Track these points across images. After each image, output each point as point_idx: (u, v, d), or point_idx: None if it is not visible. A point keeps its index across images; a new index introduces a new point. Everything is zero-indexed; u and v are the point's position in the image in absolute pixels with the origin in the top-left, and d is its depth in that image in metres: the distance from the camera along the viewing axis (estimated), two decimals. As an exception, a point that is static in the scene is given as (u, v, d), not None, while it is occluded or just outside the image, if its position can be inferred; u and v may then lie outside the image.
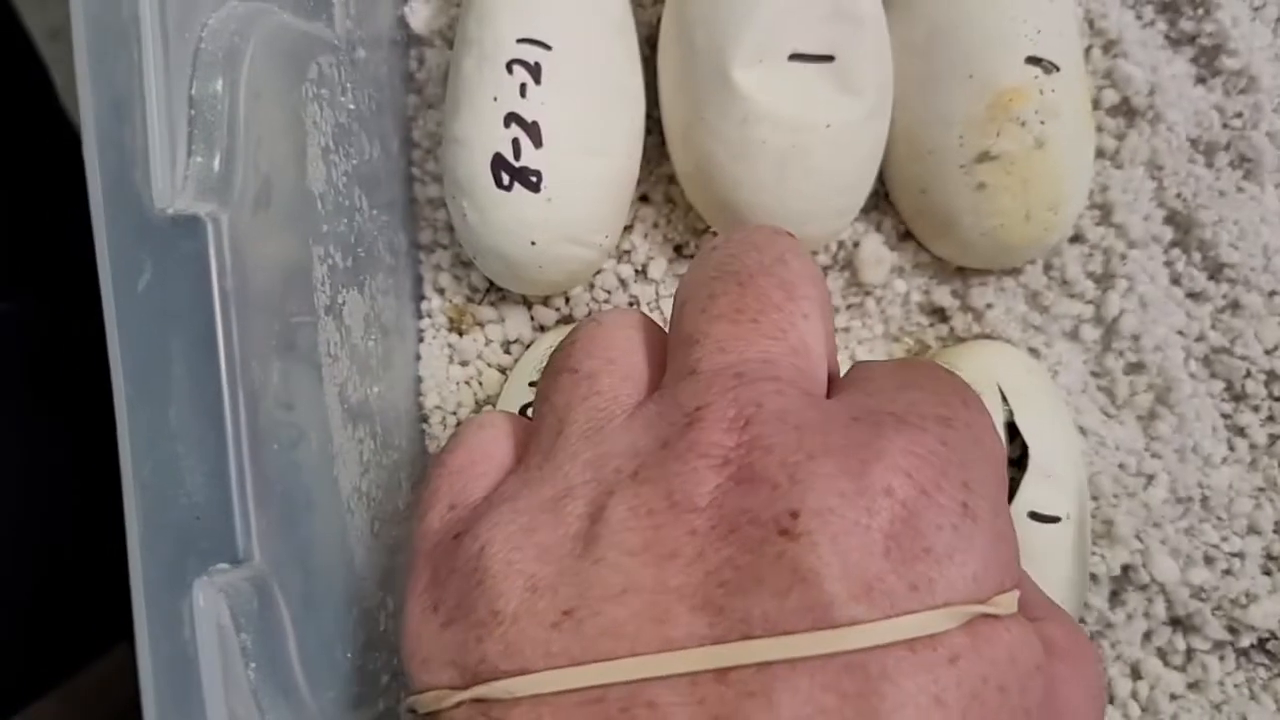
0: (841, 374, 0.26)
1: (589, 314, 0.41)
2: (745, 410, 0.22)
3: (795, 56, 0.35)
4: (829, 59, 0.35)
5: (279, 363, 0.27)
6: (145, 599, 0.24)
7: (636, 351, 0.26)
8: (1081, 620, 0.41)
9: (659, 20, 0.39)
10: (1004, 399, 0.37)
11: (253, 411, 0.26)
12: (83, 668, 0.49)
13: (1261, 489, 0.41)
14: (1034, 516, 0.36)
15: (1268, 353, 0.40)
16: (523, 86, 0.35)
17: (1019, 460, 0.38)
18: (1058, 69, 0.36)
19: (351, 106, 0.34)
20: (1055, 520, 0.36)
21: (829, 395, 0.25)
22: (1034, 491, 0.36)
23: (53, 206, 0.47)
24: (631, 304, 0.41)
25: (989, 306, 0.40)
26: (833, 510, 0.20)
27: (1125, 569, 0.41)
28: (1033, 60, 0.36)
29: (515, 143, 0.35)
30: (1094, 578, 0.41)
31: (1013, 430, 0.37)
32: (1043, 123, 0.36)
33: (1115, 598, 0.41)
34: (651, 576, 0.21)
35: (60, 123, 0.54)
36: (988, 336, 0.41)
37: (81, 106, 0.24)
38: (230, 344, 0.25)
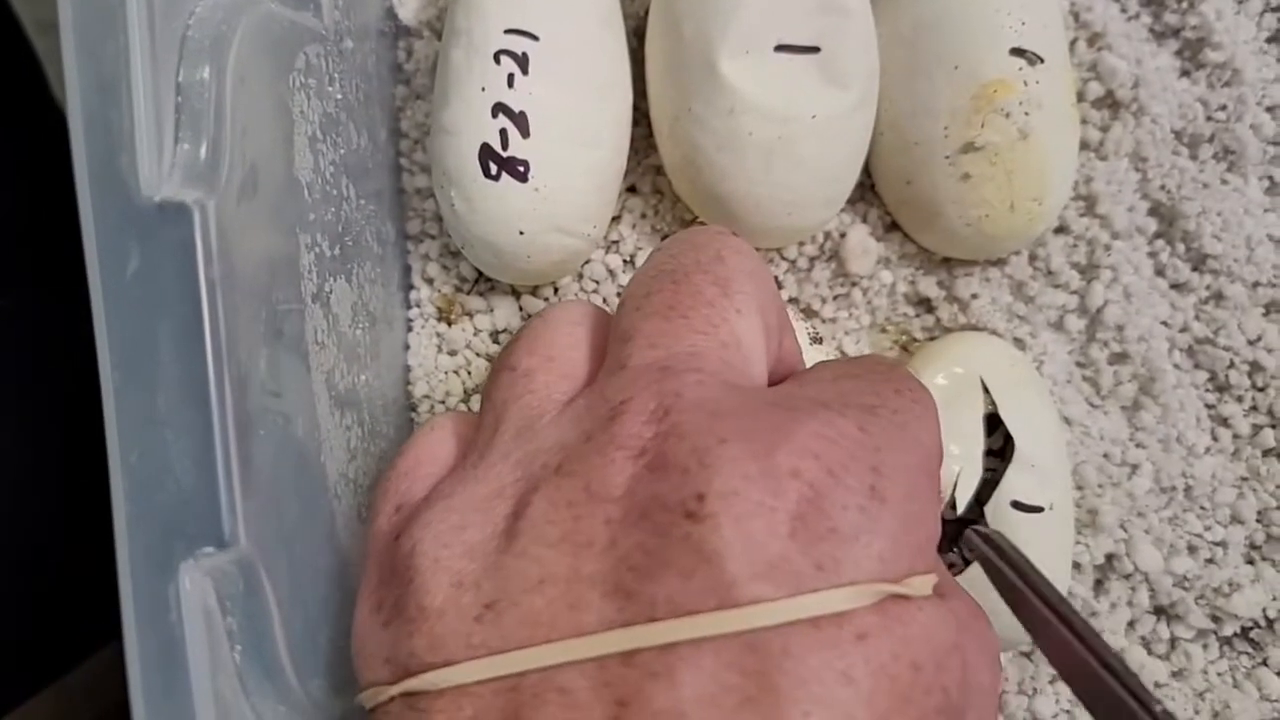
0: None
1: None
2: (665, 401, 0.22)
3: (782, 48, 0.35)
4: (815, 50, 0.35)
5: (266, 349, 0.27)
6: (132, 583, 0.25)
7: (578, 348, 0.27)
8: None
9: (646, 12, 0.39)
10: (986, 391, 0.38)
11: (240, 397, 0.26)
12: (73, 667, 0.49)
13: (1244, 479, 0.41)
14: (1016, 506, 0.37)
15: (1251, 343, 0.41)
16: (510, 77, 0.35)
17: (1001, 451, 0.38)
18: (1042, 61, 0.36)
19: (339, 96, 0.34)
20: (1038, 510, 0.37)
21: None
22: (1017, 482, 0.37)
23: (45, 200, 0.47)
24: (620, 294, 0.41)
25: (974, 297, 0.40)
26: (737, 492, 0.20)
27: (1109, 558, 0.41)
28: (1017, 52, 0.36)
29: (503, 133, 0.35)
30: (1078, 566, 0.41)
31: (995, 421, 0.37)
32: (1027, 114, 0.36)
33: (1099, 586, 0.41)
34: (567, 566, 0.21)
35: (53, 116, 0.54)
36: (973, 327, 0.41)
37: (68, 93, 0.24)
38: (217, 330, 0.25)
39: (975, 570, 0.37)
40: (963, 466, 0.37)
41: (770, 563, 0.20)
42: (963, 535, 0.35)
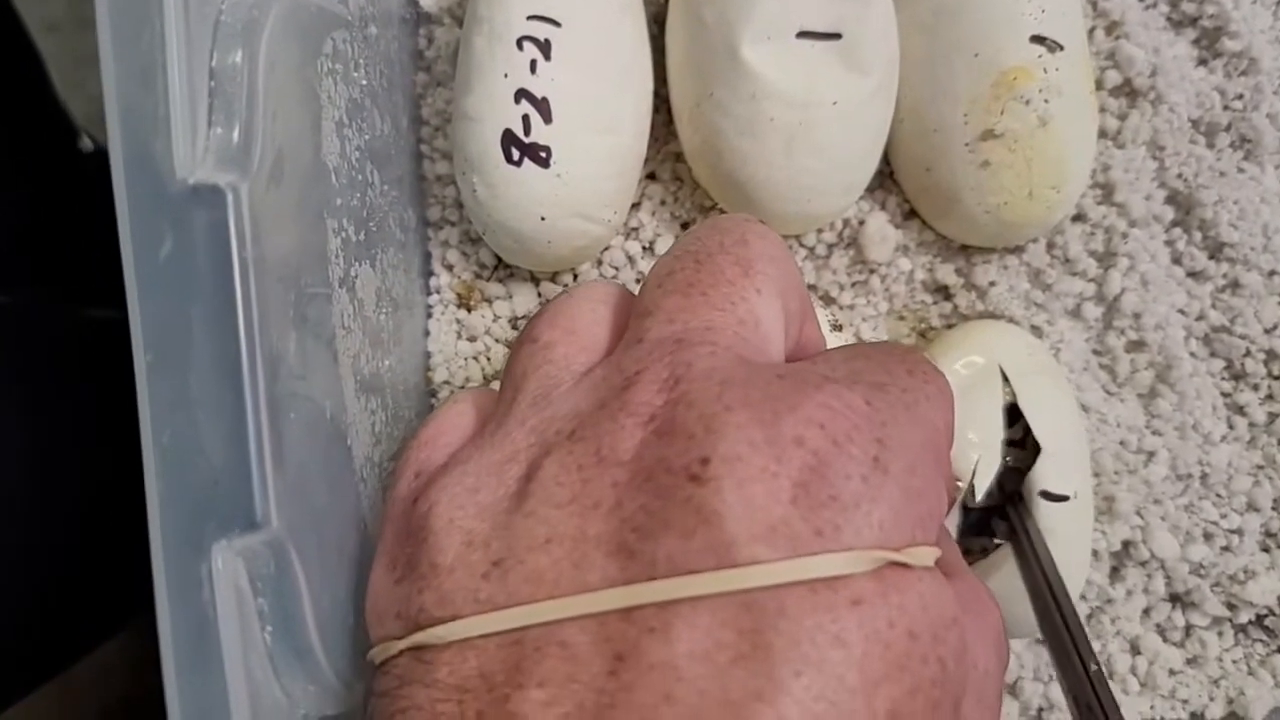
0: None
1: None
2: (677, 370, 0.23)
3: (803, 34, 0.35)
4: (836, 37, 0.36)
5: (295, 333, 0.28)
6: (165, 563, 0.25)
7: (600, 324, 0.27)
8: (1082, 596, 0.41)
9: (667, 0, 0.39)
10: (1006, 380, 0.38)
11: (271, 379, 0.26)
12: (78, 661, 0.49)
13: (1260, 466, 0.42)
14: (1046, 496, 0.37)
15: (1267, 332, 0.41)
16: (533, 63, 0.35)
17: (1022, 441, 0.38)
18: (1061, 48, 0.36)
19: (364, 82, 0.34)
20: (1065, 499, 0.37)
21: None
22: (1044, 471, 0.37)
23: (48, 199, 0.47)
24: (639, 280, 0.41)
25: (992, 284, 0.41)
26: (741, 458, 0.21)
27: (1126, 545, 0.41)
28: (1037, 39, 0.36)
29: (525, 119, 0.35)
30: (1095, 554, 0.41)
31: (1015, 411, 0.38)
32: (1046, 101, 0.36)
33: (1115, 574, 0.42)
34: (574, 526, 0.22)
35: (56, 116, 0.54)
36: (991, 315, 0.41)
37: (104, 77, 0.24)
38: (250, 313, 0.25)
39: (993, 557, 0.37)
40: (982, 454, 0.37)
41: (770, 526, 0.20)
42: (993, 518, 0.36)
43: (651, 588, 0.20)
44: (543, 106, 0.35)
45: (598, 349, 0.26)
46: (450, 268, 0.42)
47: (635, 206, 0.41)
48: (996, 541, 0.38)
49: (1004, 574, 0.37)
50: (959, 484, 0.37)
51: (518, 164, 0.35)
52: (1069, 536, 0.37)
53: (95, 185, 0.27)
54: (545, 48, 0.35)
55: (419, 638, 0.23)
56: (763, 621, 0.19)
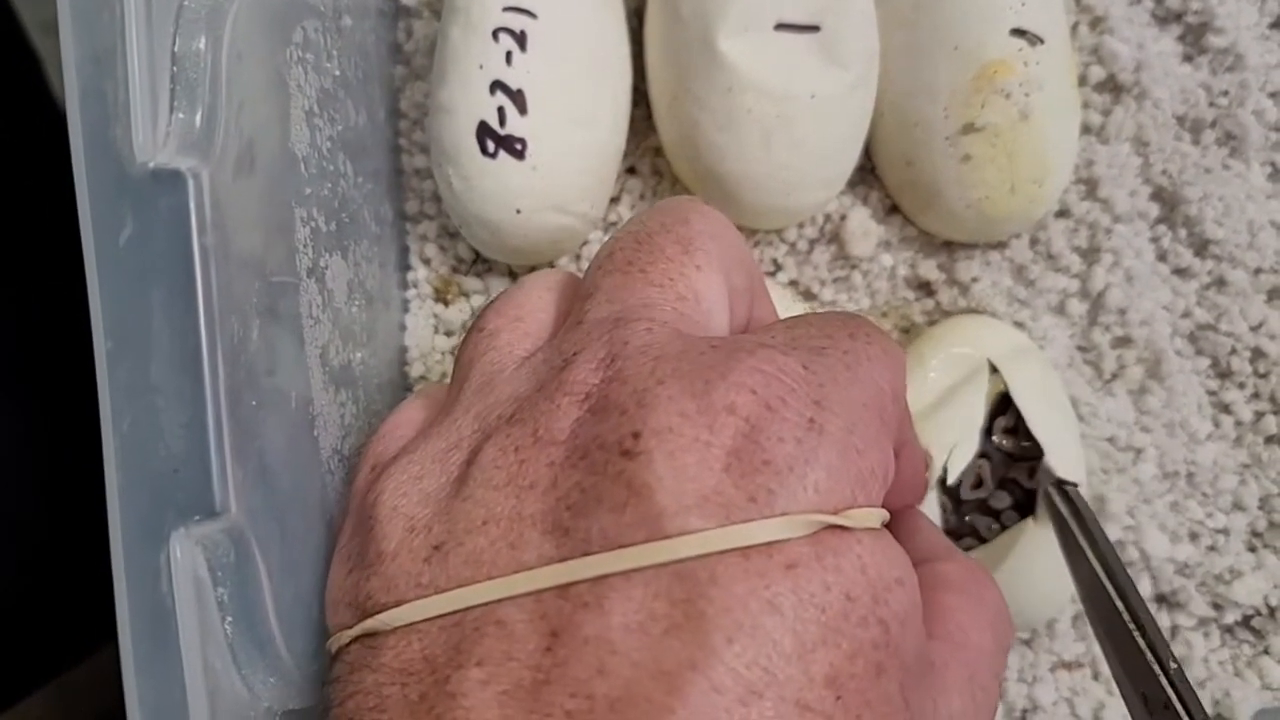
0: None
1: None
2: (614, 349, 0.23)
3: (781, 26, 0.35)
4: (815, 29, 0.35)
5: (259, 321, 0.27)
6: (123, 551, 0.24)
7: (545, 310, 0.27)
8: (1071, 598, 0.41)
9: (647, -7, 0.39)
10: (994, 371, 0.37)
11: (232, 366, 0.26)
12: (71, 666, 0.49)
13: (1246, 465, 0.41)
14: (1061, 484, 0.36)
15: (1253, 330, 0.41)
16: (508, 54, 0.35)
17: (1014, 429, 0.38)
18: (1042, 41, 0.36)
19: (337, 73, 0.34)
20: (1075, 486, 0.36)
21: None
22: (1053, 461, 0.36)
23: (45, 199, 0.47)
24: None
25: (975, 280, 0.40)
26: (671, 429, 0.21)
27: (1115, 544, 0.41)
28: (1017, 32, 0.36)
29: (500, 110, 0.35)
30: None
31: (1006, 402, 0.37)
32: (1027, 95, 0.36)
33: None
34: (510, 507, 0.22)
35: (54, 116, 0.54)
36: (974, 310, 0.41)
37: (64, 61, 0.24)
38: (210, 298, 0.25)
39: (995, 543, 0.37)
40: (959, 441, 0.37)
41: (702, 495, 0.20)
42: (1041, 490, 0.35)
43: (585, 563, 0.20)
44: (518, 98, 0.35)
45: (541, 335, 0.27)
46: (428, 262, 0.41)
47: (614, 201, 0.41)
48: (994, 526, 0.37)
49: (1010, 561, 0.37)
50: (931, 460, 0.36)
51: (493, 156, 0.35)
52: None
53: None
54: (521, 39, 0.35)
55: (367, 624, 0.23)
56: (694, 591, 0.20)
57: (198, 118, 0.26)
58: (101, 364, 0.25)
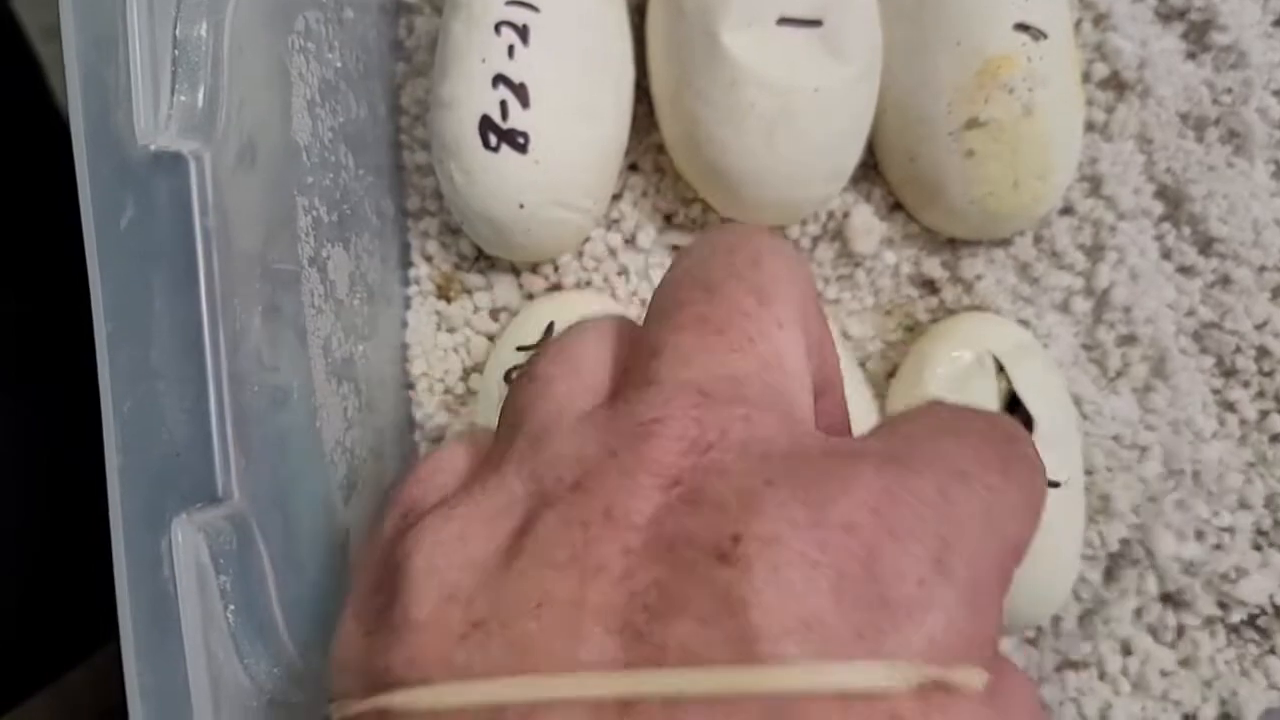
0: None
1: (577, 283, 0.41)
2: (707, 434, 0.20)
3: (784, 20, 0.35)
4: (817, 23, 0.35)
5: (260, 307, 0.27)
6: (124, 537, 0.24)
7: (604, 362, 0.24)
8: (1076, 596, 0.41)
9: (649, -12, 0.39)
10: (1001, 369, 0.37)
11: (233, 351, 0.25)
12: (73, 667, 0.49)
13: (1252, 464, 0.41)
14: None
15: (1257, 328, 0.40)
16: (510, 48, 0.35)
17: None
18: (1046, 37, 0.36)
19: (339, 64, 0.34)
20: (1055, 485, 0.36)
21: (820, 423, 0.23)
22: (1049, 460, 0.36)
23: (46, 206, 0.47)
24: (621, 273, 0.41)
25: (979, 278, 0.40)
26: (779, 539, 0.18)
27: (1122, 543, 0.40)
28: (1021, 27, 0.36)
29: (503, 104, 0.35)
30: (1091, 552, 0.40)
31: (1012, 402, 0.37)
32: (1031, 90, 0.36)
33: (1109, 574, 0.41)
34: (571, 591, 0.19)
35: (55, 123, 0.54)
36: (977, 308, 0.40)
37: (65, 45, 0.24)
38: (212, 282, 0.25)
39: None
40: None
41: (804, 621, 0.17)
42: None
43: (657, 676, 0.18)
44: (520, 92, 0.35)
45: (601, 389, 0.23)
46: (429, 258, 0.41)
47: (617, 198, 0.41)
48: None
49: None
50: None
51: (495, 150, 0.35)
52: (1059, 526, 0.37)
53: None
54: (524, 33, 0.35)
55: (381, 701, 0.20)
56: None
57: (199, 99, 0.26)
58: (102, 348, 0.24)
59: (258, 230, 0.28)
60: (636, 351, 0.23)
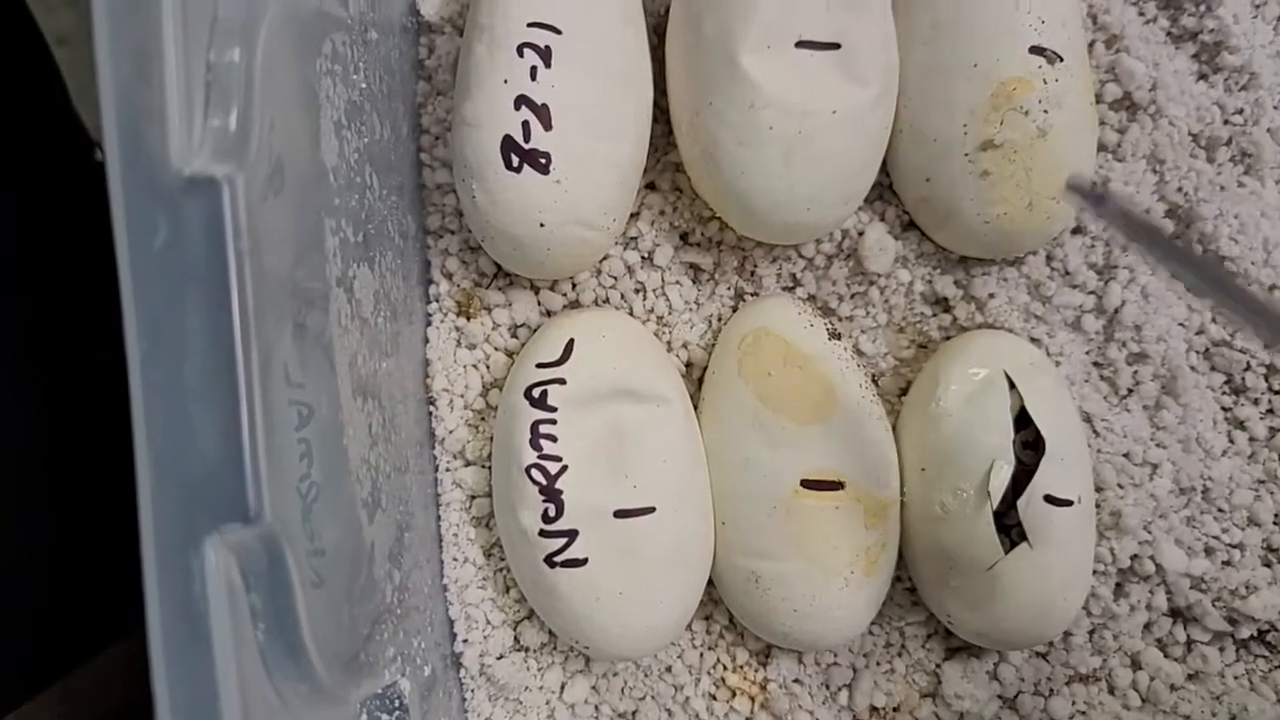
0: None
1: (595, 300, 0.41)
2: None
3: (802, 44, 0.35)
4: (835, 46, 0.36)
5: (291, 327, 0.27)
6: (155, 555, 0.24)
7: None
8: (1086, 610, 0.41)
9: (667, 10, 0.39)
10: (1012, 385, 0.38)
11: (265, 373, 0.26)
12: (79, 665, 0.49)
13: (1261, 481, 0.41)
14: (1049, 500, 0.36)
15: (1267, 346, 0.41)
16: (533, 70, 0.35)
17: (1034, 444, 0.38)
18: (1061, 59, 0.36)
19: (364, 85, 0.34)
20: (1069, 504, 0.37)
21: None
22: (1049, 475, 0.37)
23: (64, 212, 0.47)
24: (638, 290, 0.41)
25: (991, 296, 0.41)
26: None
27: (1133, 559, 0.41)
28: (1036, 50, 0.36)
29: (525, 125, 0.35)
30: (1102, 568, 0.41)
31: (1023, 419, 0.37)
32: (1046, 112, 0.36)
33: (1119, 589, 0.41)
34: None
35: (74, 130, 0.54)
36: (990, 326, 0.41)
37: (100, 69, 0.24)
38: (245, 304, 0.25)
39: (1015, 554, 0.37)
40: (996, 458, 0.37)
41: None
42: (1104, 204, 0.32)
43: None
44: (543, 113, 0.35)
45: None
46: (450, 276, 0.41)
47: (634, 216, 0.41)
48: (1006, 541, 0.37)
49: (1015, 581, 0.37)
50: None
51: (517, 170, 0.35)
52: (1071, 543, 0.37)
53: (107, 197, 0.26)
54: (546, 54, 0.35)
55: None
56: None
57: (232, 124, 0.26)
58: (135, 368, 0.25)
59: (287, 252, 0.28)
60: None
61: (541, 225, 0.36)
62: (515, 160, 0.35)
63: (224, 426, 0.25)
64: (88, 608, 0.47)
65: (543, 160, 0.35)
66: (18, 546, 0.43)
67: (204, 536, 0.25)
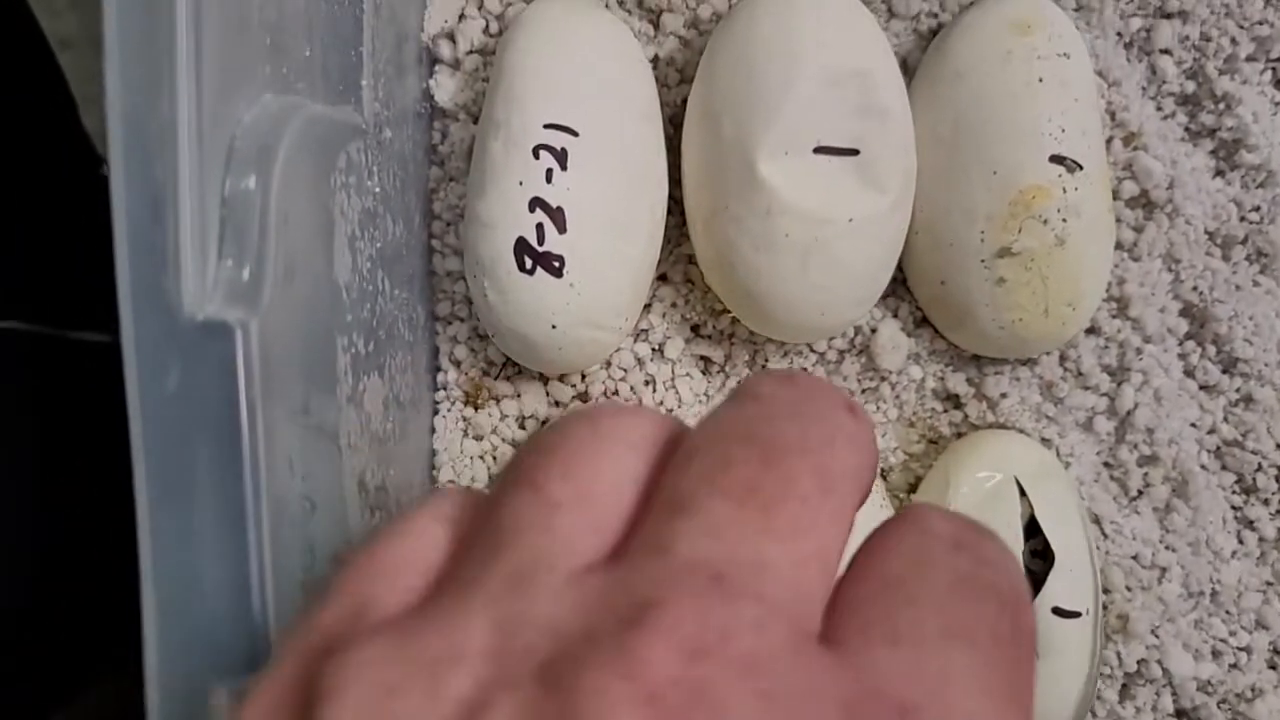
0: None
1: (604, 392, 0.41)
2: (706, 634, 0.16)
3: (821, 149, 0.35)
4: (854, 152, 0.35)
5: (302, 463, 0.27)
6: (159, 703, 0.24)
7: (624, 487, 0.20)
8: (1092, 714, 0.41)
9: (683, 101, 0.39)
10: (1023, 493, 0.37)
11: (276, 518, 0.25)
12: (80, 693, 0.49)
13: (1270, 583, 0.41)
14: (1057, 612, 0.36)
15: (1279, 447, 0.41)
16: (549, 172, 0.35)
17: (1043, 553, 0.38)
18: (1081, 168, 0.36)
19: (378, 190, 0.34)
20: (1076, 615, 0.36)
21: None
22: (1057, 587, 0.36)
23: (68, 225, 0.47)
24: (648, 383, 0.41)
25: (1003, 396, 0.40)
26: None
27: (1139, 663, 0.41)
28: (1056, 159, 0.36)
29: (539, 227, 0.35)
30: (1109, 671, 0.41)
31: (1032, 526, 0.37)
32: (1064, 221, 0.36)
33: (1125, 691, 0.41)
34: None
35: (80, 143, 0.54)
36: (1001, 425, 0.41)
37: (114, 207, 0.24)
38: (256, 452, 0.25)
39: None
40: None
41: None
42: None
43: None
44: (557, 216, 0.35)
45: (612, 527, 0.19)
46: (458, 364, 0.41)
47: (646, 308, 0.41)
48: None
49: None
50: None
51: (530, 272, 0.35)
52: (1077, 653, 0.37)
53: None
54: (562, 157, 0.35)
55: None
56: None
57: (246, 270, 0.25)
58: (144, 513, 0.24)
59: (299, 385, 0.28)
60: (665, 498, 0.19)
61: (553, 327, 0.36)
62: (529, 263, 0.35)
63: (233, 578, 0.25)
64: (90, 634, 0.47)
65: (556, 264, 0.35)
66: (25, 575, 0.42)
67: (210, 686, 0.24)
